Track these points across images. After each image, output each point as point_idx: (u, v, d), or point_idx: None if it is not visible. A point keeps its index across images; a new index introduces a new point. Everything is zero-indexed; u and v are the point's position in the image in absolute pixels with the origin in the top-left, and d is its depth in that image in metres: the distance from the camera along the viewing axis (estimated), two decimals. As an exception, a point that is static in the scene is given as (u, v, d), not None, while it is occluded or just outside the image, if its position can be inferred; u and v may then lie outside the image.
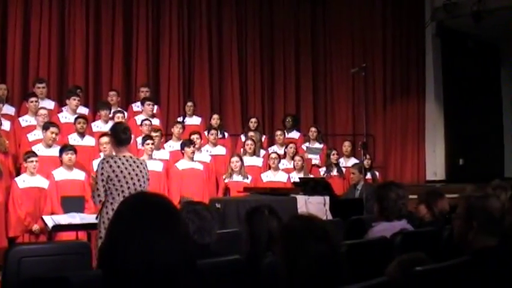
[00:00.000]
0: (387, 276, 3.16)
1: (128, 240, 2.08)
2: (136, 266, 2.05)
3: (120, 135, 6.72)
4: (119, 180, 6.47)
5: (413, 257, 3.34)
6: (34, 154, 9.22)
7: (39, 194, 9.19)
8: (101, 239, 6.39)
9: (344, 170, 11.94)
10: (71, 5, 12.80)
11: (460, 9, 13.93)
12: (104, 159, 6.68)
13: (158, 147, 10.94)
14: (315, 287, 2.83)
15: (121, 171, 6.50)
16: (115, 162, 6.53)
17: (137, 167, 6.64)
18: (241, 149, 11.99)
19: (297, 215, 3.34)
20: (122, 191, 6.46)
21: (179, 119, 12.19)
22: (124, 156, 6.63)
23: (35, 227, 9.04)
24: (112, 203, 6.46)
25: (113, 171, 6.47)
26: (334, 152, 12.00)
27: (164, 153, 11.03)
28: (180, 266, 2.11)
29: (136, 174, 6.59)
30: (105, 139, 9.07)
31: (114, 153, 6.85)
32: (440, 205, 6.44)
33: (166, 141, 11.65)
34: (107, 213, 6.46)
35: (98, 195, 6.52)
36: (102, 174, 6.48)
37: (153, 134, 10.69)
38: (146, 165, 6.87)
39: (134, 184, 6.55)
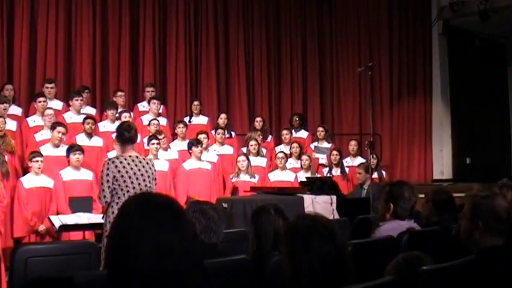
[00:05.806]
0: (388, 276, 3.15)
1: (139, 241, 2.06)
2: (150, 268, 2.04)
3: (124, 134, 6.69)
4: (124, 181, 6.47)
5: (410, 256, 3.32)
6: (39, 154, 9.22)
7: (44, 194, 9.18)
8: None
9: (347, 169, 11.92)
10: (78, 5, 12.80)
11: (466, 7, 13.90)
12: (109, 159, 6.67)
13: (166, 148, 10.91)
14: (319, 286, 2.82)
15: (127, 172, 6.49)
16: (121, 162, 6.52)
17: (143, 167, 6.62)
18: (244, 148, 11.91)
19: (302, 214, 3.30)
20: (128, 191, 6.45)
21: (186, 119, 12.19)
22: (130, 156, 6.61)
23: (41, 227, 9.04)
24: (117, 203, 6.43)
25: (119, 171, 6.47)
26: (334, 152, 11.98)
27: (171, 153, 11.01)
28: (188, 266, 2.11)
29: (142, 174, 6.58)
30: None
31: (120, 153, 6.84)
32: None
33: (172, 140, 11.61)
34: (113, 213, 6.44)
35: (104, 196, 6.52)
36: (108, 175, 6.48)
37: (159, 136, 10.53)
38: (153, 165, 6.85)
39: (139, 184, 6.54)
